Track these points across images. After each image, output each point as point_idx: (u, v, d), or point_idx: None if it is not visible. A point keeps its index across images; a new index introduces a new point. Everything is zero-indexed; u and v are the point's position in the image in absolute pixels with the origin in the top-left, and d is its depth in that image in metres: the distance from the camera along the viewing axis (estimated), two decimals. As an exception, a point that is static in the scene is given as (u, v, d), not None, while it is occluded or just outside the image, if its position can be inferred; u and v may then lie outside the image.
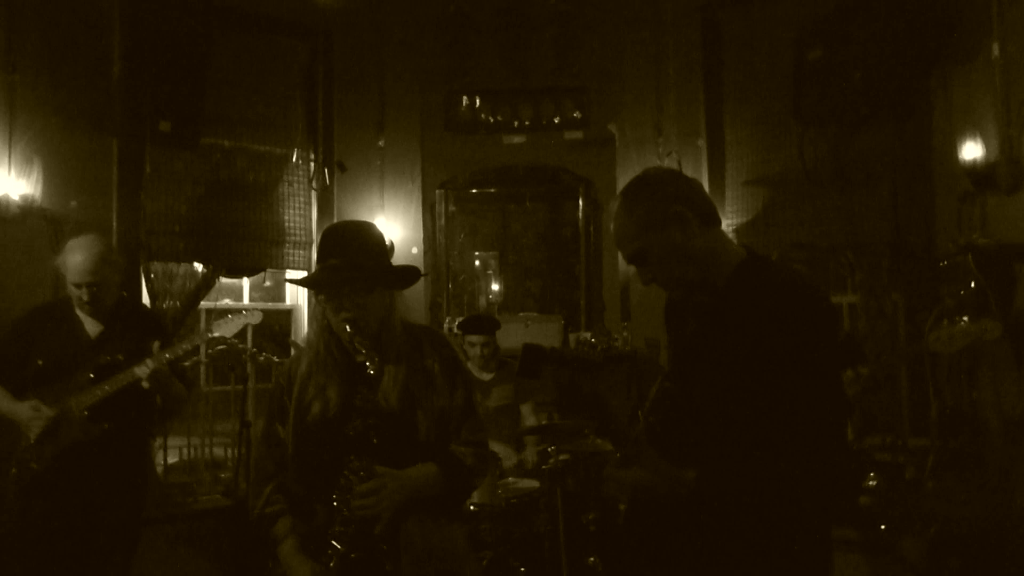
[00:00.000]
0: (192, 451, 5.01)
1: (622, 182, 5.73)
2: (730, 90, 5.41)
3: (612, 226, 1.92)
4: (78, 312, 3.12)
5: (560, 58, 5.95)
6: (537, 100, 5.96)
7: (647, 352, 5.39)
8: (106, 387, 2.96)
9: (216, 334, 3.21)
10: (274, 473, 2.16)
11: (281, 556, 2.06)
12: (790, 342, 1.64)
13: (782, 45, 4.89)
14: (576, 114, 5.95)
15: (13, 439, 2.96)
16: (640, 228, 1.82)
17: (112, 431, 2.99)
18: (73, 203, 4.54)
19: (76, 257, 3.03)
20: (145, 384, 2.94)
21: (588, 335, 5.40)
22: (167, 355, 2.99)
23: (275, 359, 4.97)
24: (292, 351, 5.32)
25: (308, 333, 2.30)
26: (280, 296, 5.98)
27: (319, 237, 2.54)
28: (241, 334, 4.05)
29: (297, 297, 5.75)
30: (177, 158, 5.03)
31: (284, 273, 5.68)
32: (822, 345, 1.67)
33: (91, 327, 3.13)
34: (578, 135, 5.97)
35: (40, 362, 3.04)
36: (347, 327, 2.03)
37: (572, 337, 5.55)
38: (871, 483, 3.29)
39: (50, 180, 4.45)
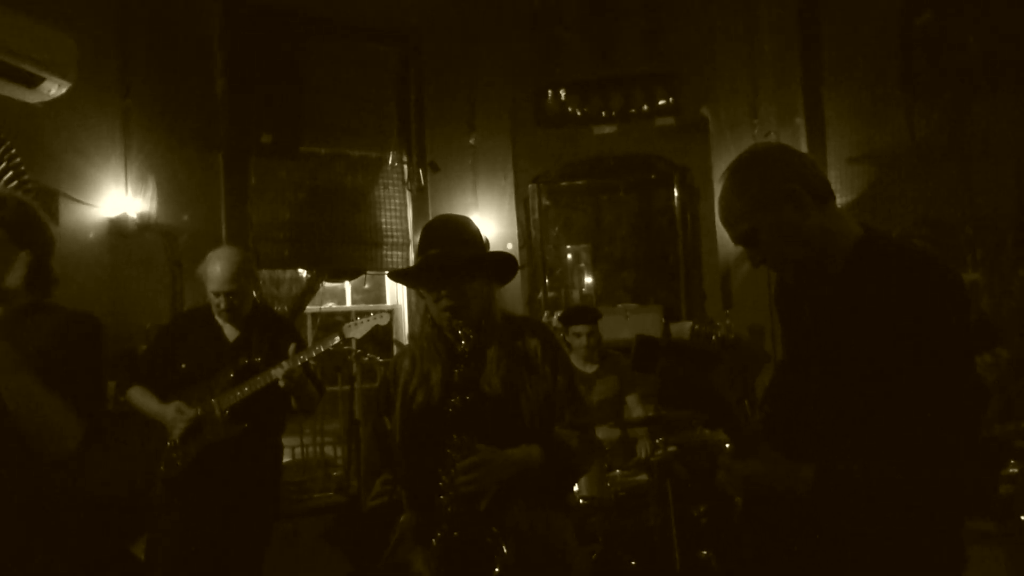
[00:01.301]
0: (304, 450, 5.18)
1: (718, 167, 5.62)
2: (829, 65, 5.20)
3: (719, 206, 1.84)
4: (217, 319, 3.28)
5: (649, 44, 5.85)
6: (627, 88, 5.89)
7: (751, 340, 5.25)
8: (245, 388, 3.10)
9: (348, 336, 3.31)
10: (382, 465, 2.20)
11: (392, 543, 2.10)
12: (920, 324, 1.54)
13: (886, 12, 4.66)
14: (667, 100, 5.84)
15: (161, 438, 3.14)
16: (751, 207, 1.73)
17: (250, 430, 3.12)
18: (185, 217, 4.76)
19: (215, 267, 3.18)
20: (281, 384, 3.06)
21: (691, 324, 5.29)
22: (302, 357, 3.10)
23: (378, 359, 5.08)
24: (395, 350, 5.43)
25: (412, 328, 2.34)
26: (381, 297, 6.11)
27: (417, 236, 2.57)
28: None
29: (397, 297, 5.86)
30: (279, 167, 5.22)
31: (384, 275, 5.81)
32: (956, 327, 1.56)
33: (230, 332, 3.29)
34: (670, 121, 5.86)
35: (184, 365, 3.21)
36: (448, 314, 2.05)
37: (674, 327, 5.45)
38: (1011, 471, 3.08)
39: (164, 196, 4.68)
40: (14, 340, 1.70)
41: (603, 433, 4.04)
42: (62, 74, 3.78)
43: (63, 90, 3.84)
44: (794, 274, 1.79)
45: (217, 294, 3.18)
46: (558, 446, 2.08)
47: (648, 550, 3.80)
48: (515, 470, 1.99)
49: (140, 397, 3.22)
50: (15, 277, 1.83)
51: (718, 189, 1.86)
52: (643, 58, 5.88)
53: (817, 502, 1.59)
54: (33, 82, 3.71)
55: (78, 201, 4.26)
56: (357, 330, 3.36)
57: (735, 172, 1.78)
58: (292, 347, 3.11)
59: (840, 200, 4.97)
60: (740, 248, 1.85)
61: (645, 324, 5.41)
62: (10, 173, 3.76)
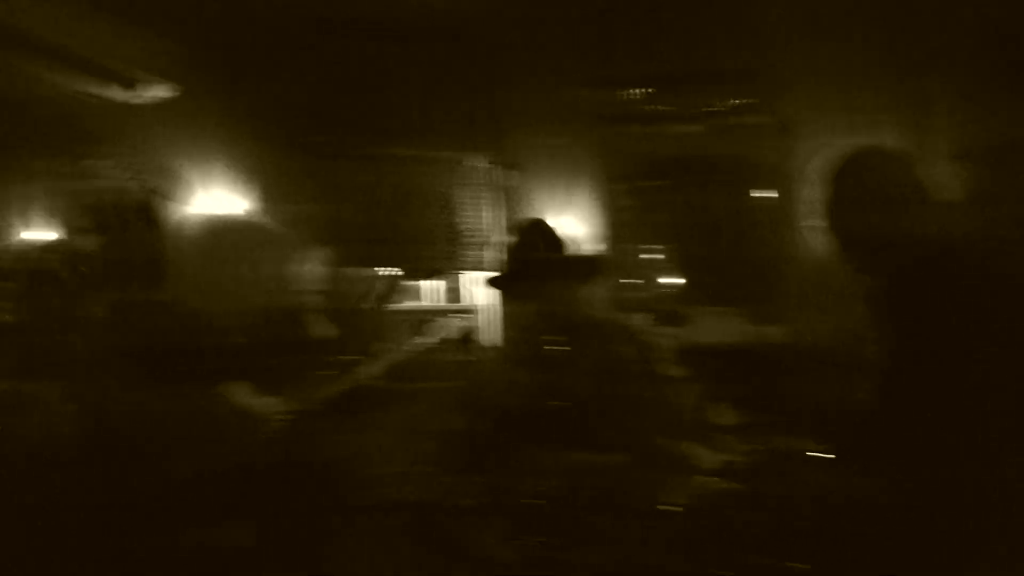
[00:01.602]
0: (375, 443, 5.23)
1: (803, 167, 5.42)
2: (930, 53, 4.94)
3: (822, 212, 1.78)
4: (304, 318, 3.34)
5: (732, 37, 5.69)
6: (709, 84, 5.76)
7: (846, 346, 5.04)
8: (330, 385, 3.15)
9: (431, 336, 3.35)
10: (464, 466, 2.20)
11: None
12: None
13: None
14: (752, 97, 5.68)
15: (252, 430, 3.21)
16: (856, 211, 1.67)
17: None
18: (275, 217, 4.88)
19: (304, 267, 3.25)
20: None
21: (779, 329, 5.12)
22: (363, 371, 3.15)
23: (456, 358, 5.11)
24: (472, 350, 5.44)
25: (503, 331, 2.34)
26: (459, 297, 6.12)
27: (505, 240, 2.59)
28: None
29: (480, 298, 5.86)
30: (361, 169, 5.29)
31: (463, 275, 5.83)
32: None
33: (317, 330, 3.33)
34: (755, 118, 5.69)
35: (273, 362, 3.27)
36: (544, 318, 2.04)
37: (762, 333, 5.29)
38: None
39: (257, 197, 4.82)
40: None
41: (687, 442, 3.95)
42: (165, 78, 3.94)
43: (167, 93, 4.01)
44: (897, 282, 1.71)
45: (308, 293, 3.24)
46: (648, 450, 2.04)
47: (728, 558, 3.68)
48: (604, 477, 1.95)
49: (232, 391, 3.30)
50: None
51: (824, 185, 1.79)
52: (729, 53, 5.73)
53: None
54: (134, 85, 3.87)
55: (180, 200, 4.43)
56: (441, 332, 3.39)
57: (839, 176, 1.72)
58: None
59: (945, 198, 4.79)
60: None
61: (732, 328, 5.30)
62: (125, 174, 3.93)
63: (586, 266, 2.23)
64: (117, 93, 3.93)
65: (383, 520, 4.39)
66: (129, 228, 1.74)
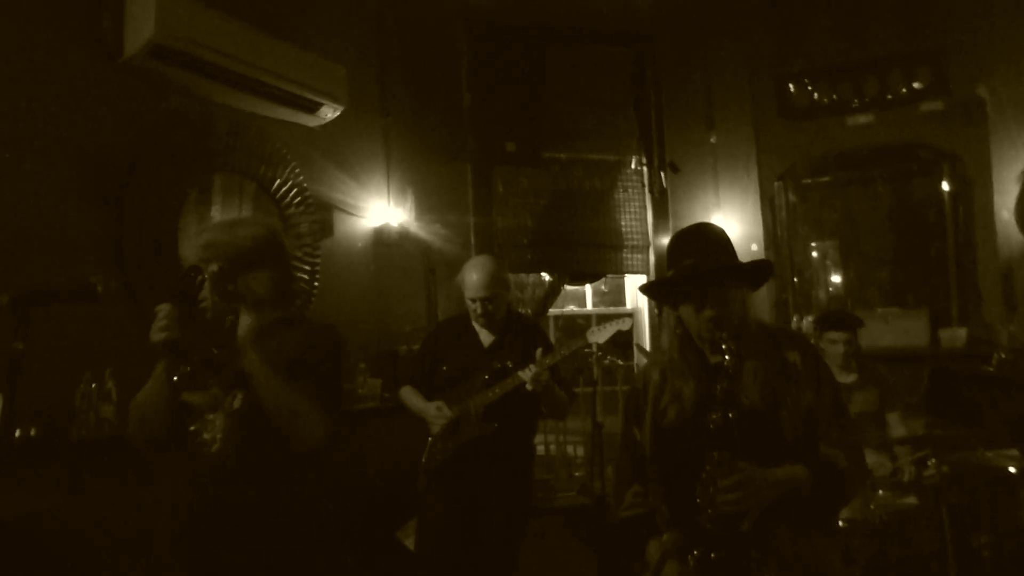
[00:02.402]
0: (547, 448, 5.31)
1: (998, 152, 5.01)
2: None
3: (1017, 207, 1.63)
4: (474, 324, 3.49)
5: (907, 19, 5.34)
6: (883, 71, 5.43)
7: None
8: (496, 390, 3.28)
9: (592, 340, 3.37)
10: (633, 476, 2.18)
11: (648, 559, 2.07)
12: None
13: None
14: (932, 81, 5.29)
15: (425, 433, 3.41)
16: None
17: (502, 430, 3.28)
18: (438, 225, 5.06)
19: (472, 275, 3.39)
20: (529, 387, 3.19)
21: (965, 331, 4.75)
22: (548, 360, 3.22)
23: (619, 362, 5.10)
24: (635, 354, 5.42)
25: (661, 339, 2.28)
26: (620, 300, 6.12)
27: (666, 241, 2.53)
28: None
29: (637, 301, 5.84)
30: (522, 175, 5.40)
31: (624, 278, 5.80)
32: None
33: (485, 337, 3.48)
34: (937, 105, 5.30)
35: (445, 368, 3.46)
36: (711, 325, 1.98)
37: (944, 334, 4.93)
38: None
39: (420, 206, 5.02)
40: (266, 350, 1.92)
41: (870, 457, 3.74)
42: (336, 99, 4.18)
43: (336, 114, 4.25)
44: None
45: (474, 300, 3.38)
46: (826, 466, 1.94)
47: (919, 579, 3.47)
48: (780, 491, 1.88)
49: (409, 396, 3.52)
50: (264, 291, 2.05)
51: (1001, 180, 1.65)
52: (901, 35, 5.38)
53: None
54: (313, 108, 4.13)
55: (348, 213, 4.68)
56: (601, 335, 3.41)
57: None
58: (539, 351, 3.21)
59: None
60: None
61: (910, 330, 4.95)
62: (295, 190, 4.23)
63: (754, 271, 2.14)
64: (301, 117, 4.20)
65: (548, 522, 4.50)
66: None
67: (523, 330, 3.50)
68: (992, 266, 5.07)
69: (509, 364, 3.31)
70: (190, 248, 2.11)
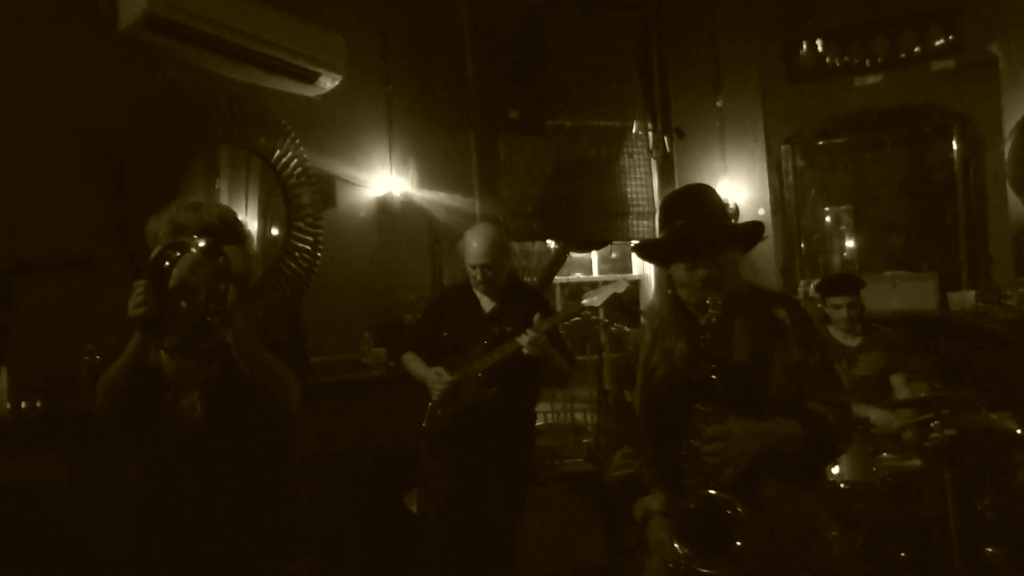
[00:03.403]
0: (556, 416, 5.34)
1: (1010, 112, 4.91)
2: None
3: (1008, 167, 1.62)
4: (475, 291, 3.52)
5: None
6: (894, 31, 5.33)
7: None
8: (495, 355, 3.30)
9: (586, 302, 3.38)
10: (623, 437, 2.20)
11: (636, 517, 2.10)
12: None
13: None
14: (944, 40, 5.19)
15: (426, 399, 3.44)
16: None
17: (502, 395, 3.31)
18: (442, 194, 5.05)
19: (472, 243, 3.42)
20: (526, 351, 3.21)
21: (974, 293, 4.71)
22: (545, 324, 3.23)
23: (626, 328, 5.08)
24: (641, 320, 5.41)
25: (652, 300, 2.30)
26: (627, 267, 6.10)
27: (661, 202, 2.53)
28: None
29: (643, 267, 5.82)
30: (526, 143, 5.36)
31: (630, 244, 5.77)
32: None
33: (486, 304, 3.51)
34: (948, 64, 5.20)
35: (446, 334, 3.50)
36: (701, 284, 2.00)
37: (953, 297, 4.88)
38: None
39: (423, 176, 5.00)
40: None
41: (874, 415, 3.73)
42: (334, 69, 4.16)
43: (335, 84, 4.23)
44: None
45: (474, 267, 3.39)
46: (814, 421, 1.96)
47: (920, 542, 3.48)
48: (766, 443, 1.90)
49: (411, 362, 3.56)
50: (239, 266, 2.10)
51: (1007, 140, 1.62)
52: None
53: None
54: (311, 78, 4.12)
55: (350, 183, 4.68)
56: (597, 297, 3.41)
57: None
58: (537, 316, 3.22)
59: None
60: None
61: (918, 294, 4.91)
62: (295, 161, 4.23)
63: (746, 233, 2.14)
64: (300, 87, 4.18)
65: (554, 488, 4.54)
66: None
67: (524, 297, 3.52)
68: (1003, 229, 5.00)
69: (508, 330, 3.33)
70: (150, 230, 2.13)
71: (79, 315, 3.08)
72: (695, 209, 2.07)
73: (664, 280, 2.16)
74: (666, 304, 2.14)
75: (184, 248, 1.87)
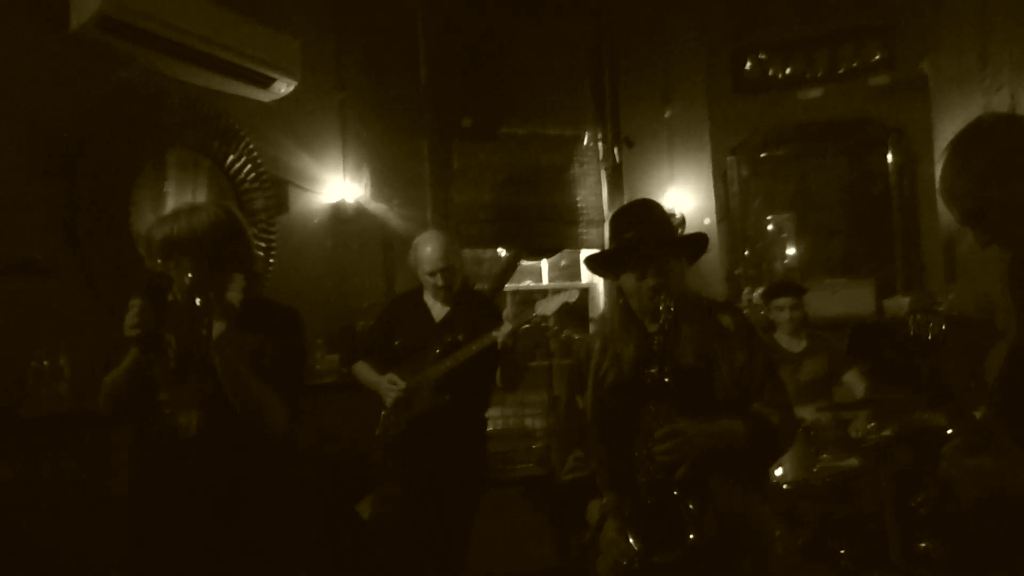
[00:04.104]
0: (506, 421, 5.39)
1: (940, 127, 5.15)
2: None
3: (940, 183, 1.73)
4: (426, 299, 3.54)
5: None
6: (834, 46, 5.55)
7: (978, 316, 4.79)
8: (448, 362, 3.33)
9: (538, 312, 3.43)
10: (575, 441, 2.27)
11: (589, 520, 2.16)
12: None
13: None
14: (881, 56, 5.42)
15: (379, 406, 3.44)
16: (977, 183, 1.62)
17: (454, 402, 3.34)
18: (395, 201, 5.07)
19: (427, 249, 3.43)
20: (500, 344, 3.23)
21: (908, 299, 4.92)
22: (516, 322, 3.28)
23: (575, 336, 5.17)
24: (590, 327, 5.50)
25: (603, 310, 2.40)
26: (576, 275, 6.18)
27: (610, 216, 2.63)
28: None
29: (593, 275, 5.89)
30: (479, 150, 5.39)
31: (579, 252, 5.86)
32: None
33: (437, 311, 3.53)
34: (884, 80, 5.44)
35: (397, 342, 3.50)
36: (651, 292, 2.08)
37: (889, 303, 5.09)
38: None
39: (377, 182, 5.02)
40: (234, 337, 1.96)
41: (812, 415, 3.88)
42: (290, 74, 4.15)
43: (291, 88, 4.22)
44: None
45: (433, 273, 3.41)
46: (759, 422, 2.05)
47: (860, 539, 3.62)
48: (714, 442, 1.99)
49: (362, 370, 3.56)
50: (235, 296, 2.06)
51: (940, 156, 1.74)
52: (852, 11, 5.49)
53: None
54: (266, 83, 4.10)
55: (304, 189, 4.67)
56: (547, 306, 3.47)
57: (956, 146, 1.68)
58: (505, 311, 3.28)
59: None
60: None
61: (856, 299, 5.10)
62: (249, 166, 4.20)
63: (692, 244, 2.24)
64: (254, 92, 4.16)
65: (504, 493, 4.58)
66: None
67: (475, 304, 3.56)
68: (935, 237, 5.24)
69: (460, 338, 3.36)
70: (145, 240, 2.10)
71: (27, 320, 3.02)
72: (643, 221, 2.17)
73: (615, 290, 2.25)
74: (616, 313, 2.23)
75: (170, 283, 1.88)
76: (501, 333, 3.24)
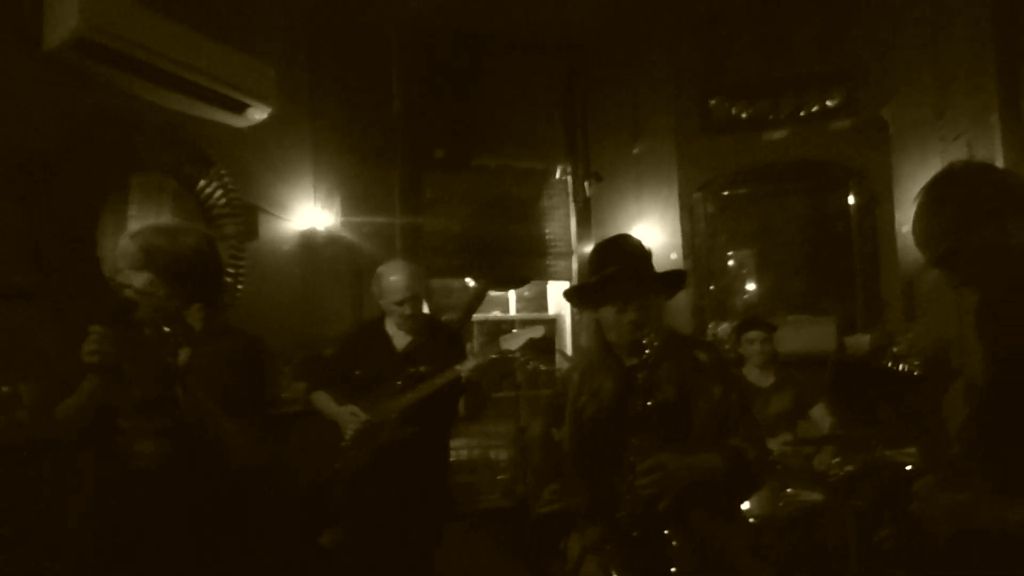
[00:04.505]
0: (471, 452, 5.36)
1: (899, 170, 5.31)
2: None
3: (913, 227, 1.79)
4: (388, 330, 3.51)
5: (823, 43, 5.62)
6: (799, 90, 5.69)
7: (938, 356, 4.91)
8: (411, 395, 3.30)
9: (504, 347, 3.43)
10: (551, 474, 2.27)
11: (568, 554, 2.16)
12: None
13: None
14: (842, 101, 5.59)
15: (340, 438, 3.39)
16: (950, 227, 1.69)
17: (418, 434, 3.30)
18: (365, 230, 5.06)
19: (392, 278, 3.41)
20: (464, 377, 3.25)
21: (869, 337, 5.02)
22: (484, 357, 3.27)
23: (541, 367, 5.18)
24: (557, 358, 5.52)
25: (582, 342, 2.41)
26: (543, 306, 6.22)
27: (589, 249, 2.66)
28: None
29: (560, 306, 5.95)
30: (451, 181, 5.44)
31: (546, 284, 5.90)
32: None
33: (399, 341, 3.50)
34: (845, 124, 5.60)
35: (358, 373, 3.46)
36: (631, 327, 2.11)
37: (850, 340, 5.20)
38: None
39: (347, 211, 5.00)
40: (195, 366, 1.91)
41: (779, 448, 3.92)
42: (264, 100, 4.14)
43: (265, 115, 4.21)
44: (1002, 295, 1.70)
45: (402, 303, 3.38)
46: (736, 455, 2.08)
47: (825, 573, 3.66)
48: (695, 475, 2.01)
49: (321, 400, 3.51)
50: (194, 323, 2.06)
51: (913, 201, 1.80)
52: (817, 57, 5.66)
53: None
54: (240, 108, 4.09)
55: (274, 215, 4.64)
56: (513, 341, 3.49)
57: (930, 191, 1.74)
58: (469, 345, 3.27)
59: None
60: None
61: (818, 336, 5.20)
62: (220, 192, 4.17)
63: (671, 279, 2.28)
64: (228, 117, 4.14)
65: (481, 526, 4.54)
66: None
67: (439, 336, 3.55)
68: (894, 277, 5.37)
69: (423, 369, 3.34)
70: (121, 247, 2.04)
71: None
72: (624, 256, 2.20)
73: (592, 323, 2.27)
74: (595, 346, 2.26)
75: (135, 308, 1.83)
76: (465, 368, 3.24)
